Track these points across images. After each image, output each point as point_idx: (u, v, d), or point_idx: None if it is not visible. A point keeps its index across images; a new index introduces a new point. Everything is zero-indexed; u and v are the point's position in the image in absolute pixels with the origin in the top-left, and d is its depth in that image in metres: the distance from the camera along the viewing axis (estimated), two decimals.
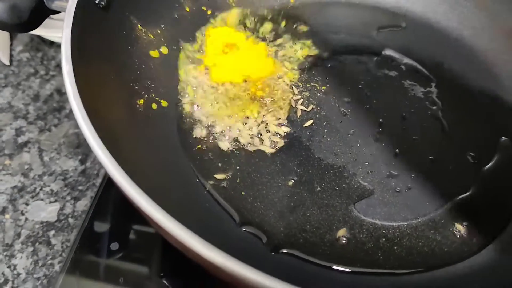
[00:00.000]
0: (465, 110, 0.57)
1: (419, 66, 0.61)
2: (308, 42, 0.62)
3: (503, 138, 0.54)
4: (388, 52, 0.62)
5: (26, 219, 0.55)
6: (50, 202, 0.57)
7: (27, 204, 0.56)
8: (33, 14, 0.46)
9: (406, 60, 0.61)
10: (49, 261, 0.52)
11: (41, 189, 0.58)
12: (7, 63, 0.71)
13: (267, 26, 0.64)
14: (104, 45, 0.46)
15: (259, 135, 0.52)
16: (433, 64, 0.61)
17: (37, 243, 0.53)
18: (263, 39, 0.62)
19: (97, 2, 0.46)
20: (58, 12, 0.48)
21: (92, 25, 0.44)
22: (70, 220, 0.55)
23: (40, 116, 0.65)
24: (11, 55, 0.72)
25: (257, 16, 0.64)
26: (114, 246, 0.52)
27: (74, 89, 0.36)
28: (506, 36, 0.62)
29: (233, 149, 0.52)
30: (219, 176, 0.49)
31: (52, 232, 0.54)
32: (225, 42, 0.61)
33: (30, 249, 0.53)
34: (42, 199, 0.57)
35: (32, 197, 0.57)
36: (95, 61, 0.43)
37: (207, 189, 0.49)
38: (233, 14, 0.63)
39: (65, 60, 0.38)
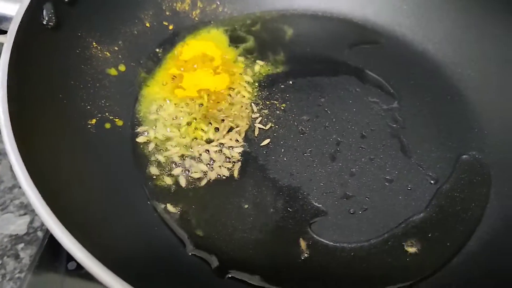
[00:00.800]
0: (426, 128, 0.56)
1: (383, 82, 0.60)
2: (274, 57, 0.62)
3: (464, 156, 0.54)
4: (353, 67, 0.62)
5: None
6: (20, 215, 0.56)
7: None
8: None
9: (370, 75, 0.61)
10: (17, 275, 0.52)
11: (11, 202, 0.57)
12: None
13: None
14: (52, 65, 0.46)
15: (214, 161, 0.52)
16: (397, 79, 0.61)
17: (5, 257, 0.53)
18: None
19: (45, 22, 0.45)
20: (5, 32, 0.48)
21: (38, 47, 0.44)
22: (39, 233, 0.54)
23: None
24: None
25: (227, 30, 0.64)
26: (71, 265, 0.51)
27: (6, 118, 0.35)
28: (471, 50, 0.61)
29: (189, 178, 0.51)
30: (170, 208, 0.49)
31: (21, 245, 0.54)
32: (200, 54, 0.60)
33: None
34: (11, 212, 0.56)
35: (2, 209, 0.56)
36: (39, 84, 0.43)
37: (158, 211, 0.48)
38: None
39: (0, 86, 0.37)
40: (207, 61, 0.60)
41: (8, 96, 0.36)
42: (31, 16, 0.43)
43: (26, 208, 0.56)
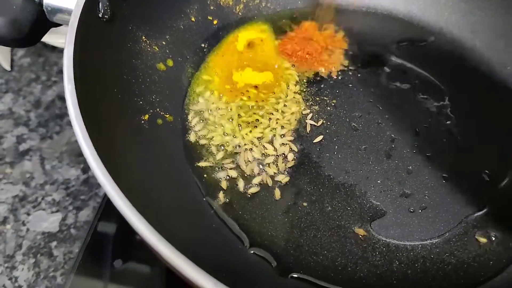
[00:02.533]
0: (479, 125, 0.55)
1: (432, 78, 0.59)
2: None
3: None
4: (400, 64, 0.61)
5: (28, 229, 0.54)
6: (52, 212, 0.55)
7: (28, 214, 0.55)
8: (34, 28, 0.44)
9: (419, 72, 0.60)
10: (51, 273, 0.51)
11: (42, 199, 0.56)
12: (8, 68, 0.69)
13: None
14: (107, 60, 0.45)
15: (269, 154, 0.51)
16: (446, 76, 0.60)
17: (38, 255, 0.52)
18: None
19: (100, 15, 0.44)
20: (59, 25, 0.47)
21: (95, 39, 0.43)
22: (72, 231, 0.54)
23: (42, 123, 0.64)
24: (12, 60, 0.71)
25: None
26: (118, 263, 0.50)
27: (76, 110, 0.34)
28: None
29: (243, 175, 0.50)
30: (226, 206, 0.47)
31: (54, 243, 0.53)
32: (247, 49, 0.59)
33: (32, 260, 0.51)
34: (44, 209, 0.56)
35: (34, 206, 0.56)
36: (98, 77, 0.42)
37: (214, 208, 0.47)
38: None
39: (67, 79, 0.36)
40: (255, 56, 0.59)
41: (76, 89, 0.35)
42: (89, 8, 0.42)
43: (59, 205, 0.56)
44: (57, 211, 0.56)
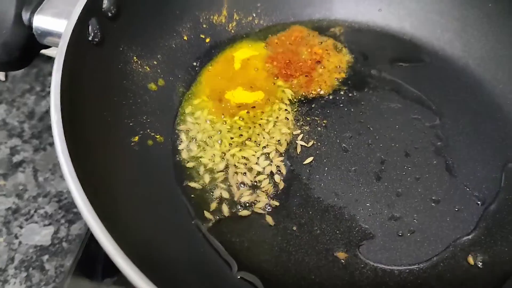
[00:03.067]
0: (470, 146, 0.55)
1: (424, 97, 0.59)
2: None
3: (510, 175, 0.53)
4: (393, 82, 0.61)
5: (20, 242, 0.54)
6: (45, 225, 0.55)
7: (21, 227, 0.55)
8: (24, 51, 0.45)
9: (411, 91, 0.60)
10: (43, 287, 0.51)
11: (35, 211, 0.56)
12: (2, 78, 0.69)
13: None
14: (97, 82, 0.45)
15: (258, 176, 0.51)
16: (438, 95, 0.60)
17: (30, 268, 0.52)
18: None
19: (90, 39, 0.44)
20: (49, 47, 0.47)
21: (84, 64, 0.43)
22: (64, 244, 0.54)
23: (35, 134, 0.64)
24: None
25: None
26: (108, 281, 0.50)
27: (62, 141, 0.34)
28: None
29: (232, 196, 0.50)
30: (215, 228, 0.48)
31: (46, 256, 0.53)
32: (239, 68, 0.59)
33: (24, 274, 0.52)
34: (36, 222, 0.56)
35: (26, 219, 0.56)
36: (87, 103, 0.42)
37: (202, 231, 0.47)
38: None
39: (54, 109, 0.36)
40: (247, 75, 0.59)
41: (62, 119, 0.35)
42: (78, 32, 0.42)
43: (51, 218, 0.56)
44: (49, 224, 0.56)
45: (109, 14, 0.46)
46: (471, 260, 0.46)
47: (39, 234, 0.55)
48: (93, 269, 0.51)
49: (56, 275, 0.51)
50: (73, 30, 0.41)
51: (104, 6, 0.45)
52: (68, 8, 0.43)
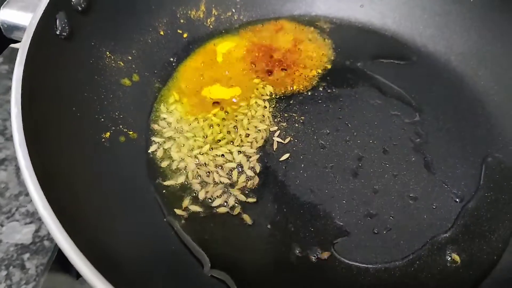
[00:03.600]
0: (450, 142, 0.54)
1: (405, 94, 0.59)
2: None
3: (488, 173, 0.52)
4: (374, 79, 0.60)
5: (1, 241, 0.53)
6: (26, 224, 0.54)
7: (1, 226, 0.54)
8: None
9: (392, 87, 0.59)
10: (23, 286, 0.50)
11: (16, 210, 0.55)
12: None
13: None
14: (65, 77, 0.44)
15: (233, 173, 0.50)
16: (419, 91, 0.59)
17: (11, 267, 0.51)
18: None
19: (58, 33, 0.43)
20: (18, 41, 0.46)
21: (50, 58, 0.42)
22: (46, 242, 0.53)
23: None
24: None
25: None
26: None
27: (21, 137, 0.33)
28: (495, 63, 0.59)
29: (206, 194, 0.49)
30: (187, 226, 0.47)
31: (27, 255, 0.52)
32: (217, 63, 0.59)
33: (4, 273, 0.50)
34: (17, 220, 0.55)
35: (8, 218, 0.55)
36: (53, 98, 0.41)
37: (175, 229, 0.46)
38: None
39: (14, 103, 0.35)
40: (225, 71, 0.58)
41: (22, 114, 0.34)
42: (44, 26, 0.41)
43: (33, 216, 0.55)
44: (30, 222, 0.55)
45: (79, 8, 0.45)
46: (448, 258, 0.46)
47: (20, 233, 0.54)
48: (70, 265, 0.50)
49: (36, 274, 0.51)
50: (38, 24, 0.40)
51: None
52: (35, 2, 0.42)
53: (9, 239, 0.53)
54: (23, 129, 0.34)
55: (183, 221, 0.47)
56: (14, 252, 0.52)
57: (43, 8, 0.41)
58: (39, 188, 0.31)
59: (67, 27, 0.43)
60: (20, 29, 0.44)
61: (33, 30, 0.40)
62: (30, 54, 0.39)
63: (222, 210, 0.48)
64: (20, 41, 0.46)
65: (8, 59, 0.70)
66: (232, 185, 0.49)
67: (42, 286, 0.47)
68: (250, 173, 0.50)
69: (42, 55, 0.40)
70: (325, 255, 0.45)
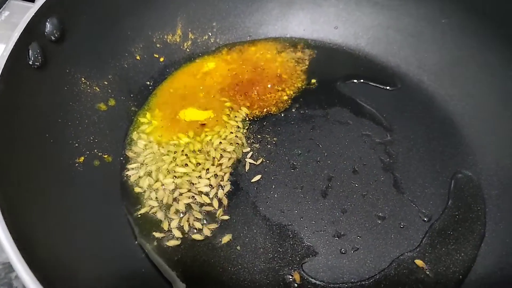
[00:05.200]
0: (420, 162, 0.55)
1: (377, 114, 0.60)
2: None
3: (457, 192, 0.53)
4: (347, 99, 0.61)
5: None
6: None
7: None
8: None
9: (365, 107, 0.60)
10: None
11: None
12: None
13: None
14: (39, 106, 0.45)
15: (205, 195, 0.51)
16: (391, 111, 0.60)
17: None
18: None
19: (30, 63, 0.44)
20: None
21: (22, 87, 0.43)
22: None
23: None
24: None
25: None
26: None
27: None
28: (466, 83, 0.61)
29: (179, 215, 0.50)
30: (159, 247, 0.48)
31: (14, 273, 0.53)
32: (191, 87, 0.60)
33: None
34: None
35: None
36: (25, 125, 0.42)
37: (146, 251, 0.47)
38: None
39: None
40: (200, 94, 0.59)
41: None
42: (16, 57, 0.42)
43: None
44: None
45: (53, 38, 0.47)
46: (413, 277, 0.46)
47: None
48: None
49: None
50: (9, 55, 0.41)
51: (46, 30, 0.46)
52: (8, 33, 0.44)
53: None
54: None
55: (155, 243, 0.48)
56: (2, 271, 0.53)
57: (15, 40, 0.42)
58: (2, 219, 0.32)
59: (39, 57, 0.45)
60: None
61: (5, 61, 0.41)
62: (1, 85, 0.40)
63: (193, 229, 0.48)
64: None
65: None
66: (205, 207, 0.50)
67: None
68: (221, 195, 0.51)
69: (14, 85, 0.42)
70: (294, 275, 0.46)
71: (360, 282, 0.46)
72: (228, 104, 0.59)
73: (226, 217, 0.50)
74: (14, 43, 0.42)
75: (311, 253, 0.48)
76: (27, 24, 0.44)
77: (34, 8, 0.44)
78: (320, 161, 0.55)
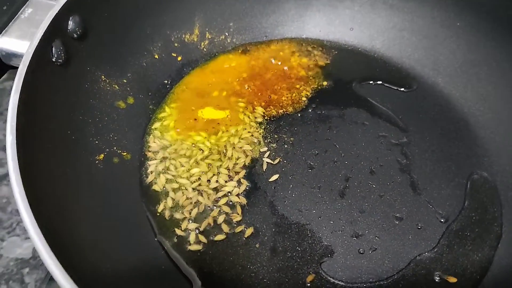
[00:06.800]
0: (436, 163, 0.56)
1: (392, 115, 0.60)
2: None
3: (474, 194, 0.53)
4: (363, 100, 0.62)
5: (1, 255, 0.54)
6: (26, 238, 0.56)
7: (2, 240, 0.55)
8: None
9: (381, 108, 0.60)
10: None
11: (17, 225, 0.56)
12: None
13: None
14: (61, 103, 0.46)
15: (223, 194, 0.51)
16: (406, 113, 0.60)
17: (10, 281, 0.52)
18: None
19: (54, 60, 0.45)
20: (17, 68, 0.48)
21: (46, 85, 0.44)
22: None
23: None
24: None
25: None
26: None
27: (15, 164, 0.35)
28: (481, 86, 0.61)
29: (198, 213, 0.50)
30: (178, 245, 0.48)
31: (26, 269, 0.53)
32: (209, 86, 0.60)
33: (4, 287, 0.51)
34: (18, 235, 0.56)
35: (8, 232, 0.56)
36: (47, 123, 0.43)
37: (165, 248, 0.47)
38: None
39: (9, 130, 0.37)
40: (217, 93, 0.60)
41: (17, 141, 0.36)
42: (40, 54, 0.42)
43: None
44: None
45: (75, 35, 0.47)
46: (431, 278, 0.47)
47: (21, 247, 0.55)
48: None
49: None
50: (34, 52, 0.42)
51: (69, 27, 0.46)
52: (32, 30, 0.44)
53: (9, 254, 0.54)
54: (17, 156, 0.35)
55: (175, 240, 0.48)
56: (14, 266, 0.53)
57: (39, 37, 0.42)
58: (31, 214, 0.33)
59: (63, 54, 0.45)
60: (18, 56, 0.45)
61: (29, 58, 0.41)
62: (26, 82, 0.40)
63: (212, 227, 0.49)
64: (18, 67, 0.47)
65: (13, 75, 0.72)
66: (223, 206, 0.50)
67: None
68: (239, 193, 0.51)
69: (38, 83, 0.42)
70: (311, 275, 0.46)
71: (378, 282, 0.47)
72: (244, 103, 0.59)
73: (244, 216, 0.50)
74: (38, 41, 0.43)
75: (329, 252, 0.48)
76: (51, 21, 0.44)
77: (57, 5, 0.44)
78: (337, 162, 0.55)
